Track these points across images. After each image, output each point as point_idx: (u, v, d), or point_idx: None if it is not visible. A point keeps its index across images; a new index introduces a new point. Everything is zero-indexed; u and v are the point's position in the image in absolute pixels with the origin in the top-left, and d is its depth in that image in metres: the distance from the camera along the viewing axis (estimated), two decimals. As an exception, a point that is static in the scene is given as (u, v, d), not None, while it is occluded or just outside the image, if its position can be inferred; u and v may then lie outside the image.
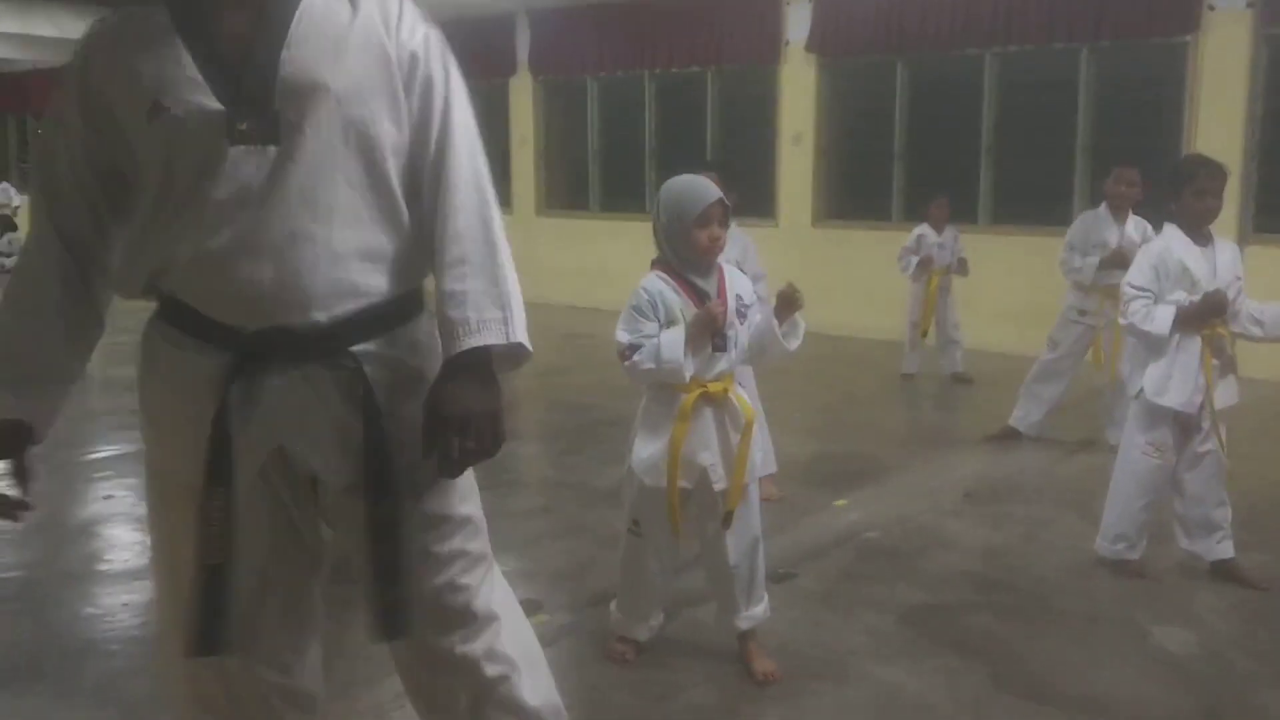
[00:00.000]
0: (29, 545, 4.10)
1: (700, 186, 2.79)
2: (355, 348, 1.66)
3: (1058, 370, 5.50)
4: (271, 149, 1.57)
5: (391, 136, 1.65)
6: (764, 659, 2.98)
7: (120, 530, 4.29)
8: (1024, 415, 5.59)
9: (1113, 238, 5.21)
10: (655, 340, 2.74)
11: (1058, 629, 3.32)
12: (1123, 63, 7.88)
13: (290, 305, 1.60)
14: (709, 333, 2.78)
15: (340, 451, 1.69)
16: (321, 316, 1.62)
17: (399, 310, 1.72)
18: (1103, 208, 5.34)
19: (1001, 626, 3.33)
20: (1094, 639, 3.25)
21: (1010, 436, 5.60)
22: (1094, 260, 5.21)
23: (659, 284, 2.81)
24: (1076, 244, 5.31)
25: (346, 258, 1.62)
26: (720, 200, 2.77)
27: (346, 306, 1.64)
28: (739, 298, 2.85)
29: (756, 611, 3.01)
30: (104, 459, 5.28)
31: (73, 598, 3.56)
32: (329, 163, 1.60)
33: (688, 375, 2.76)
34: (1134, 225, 5.26)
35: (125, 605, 3.49)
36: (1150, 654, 3.15)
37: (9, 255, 14.75)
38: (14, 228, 15.12)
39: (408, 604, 1.71)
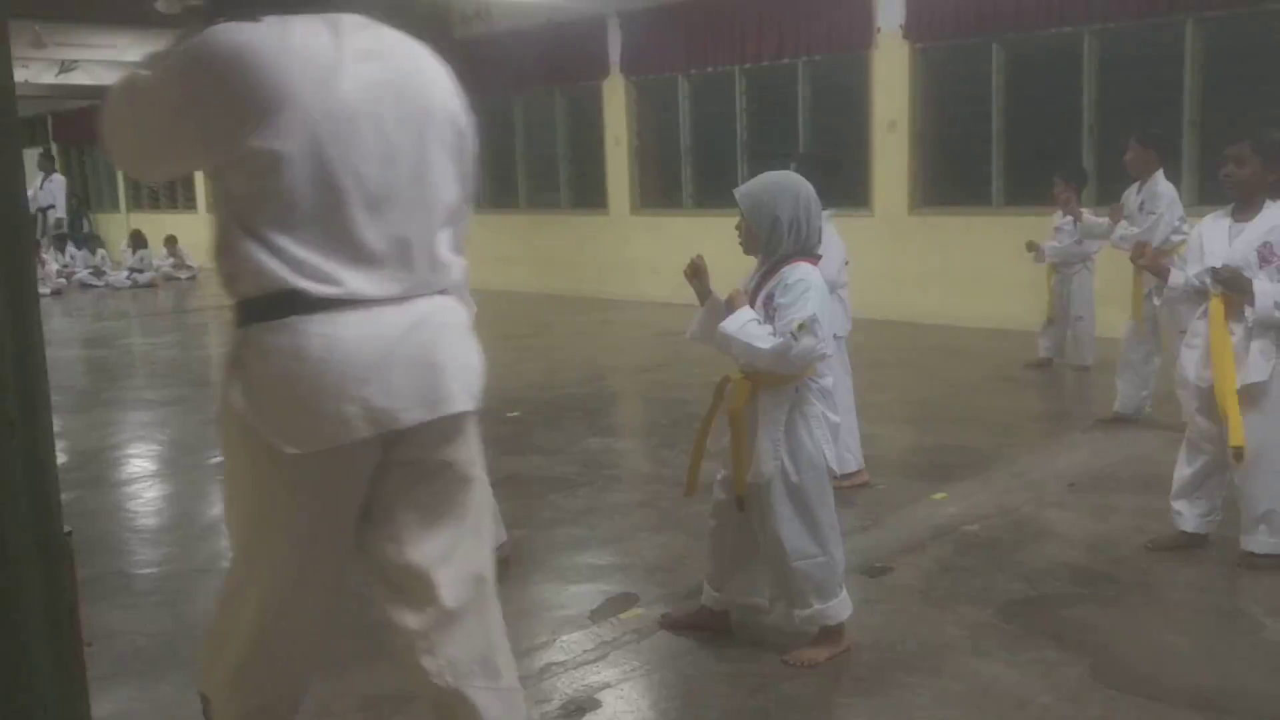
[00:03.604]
0: (163, 543, 4.40)
1: None
2: None
3: (1138, 336, 5.47)
4: None
5: None
6: (800, 648, 3.00)
7: (242, 530, 4.51)
8: (1123, 396, 5.54)
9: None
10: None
11: (1164, 621, 3.24)
12: (1230, 33, 7.55)
13: None
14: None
15: None
16: None
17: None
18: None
19: (1104, 618, 3.26)
20: (1203, 632, 3.16)
21: (1118, 421, 5.47)
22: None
23: None
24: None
25: None
26: None
27: None
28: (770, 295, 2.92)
29: (794, 614, 3.02)
30: (225, 463, 5.53)
31: (203, 592, 3.73)
32: None
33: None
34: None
35: (247, 601, 3.69)
36: (1265, 648, 3.05)
37: (141, 271, 15.57)
38: (144, 244, 15.91)
39: None
